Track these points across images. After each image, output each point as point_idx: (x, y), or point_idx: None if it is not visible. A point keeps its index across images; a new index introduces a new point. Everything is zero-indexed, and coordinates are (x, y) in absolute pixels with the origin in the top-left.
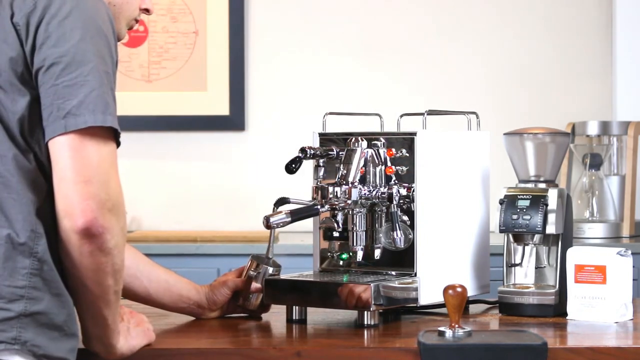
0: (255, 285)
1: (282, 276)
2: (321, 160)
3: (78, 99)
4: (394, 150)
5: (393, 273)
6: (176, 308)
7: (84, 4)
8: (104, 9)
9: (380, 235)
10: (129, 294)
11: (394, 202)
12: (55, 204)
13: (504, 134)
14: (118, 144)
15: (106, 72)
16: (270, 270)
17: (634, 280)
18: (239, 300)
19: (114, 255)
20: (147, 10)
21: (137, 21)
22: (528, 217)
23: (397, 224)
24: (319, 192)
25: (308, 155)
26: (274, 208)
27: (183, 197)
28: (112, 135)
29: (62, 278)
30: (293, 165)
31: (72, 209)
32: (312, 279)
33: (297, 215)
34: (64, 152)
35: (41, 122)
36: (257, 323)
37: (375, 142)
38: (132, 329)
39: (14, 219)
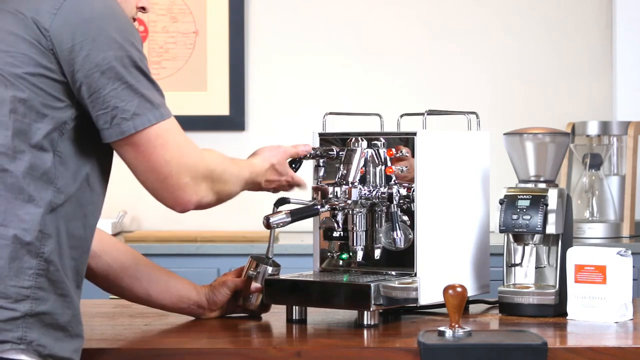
0: (255, 285)
1: (282, 276)
2: (321, 160)
3: (127, 102)
4: (394, 150)
5: (393, 273)
6: (176, 308)
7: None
8: (120, 10)
9: (380, 235)
10: (129, 294)
11: (394, 202)
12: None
13: (504, 134)
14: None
15: (141, 70)
16: (270, 270)
17: (634, 280)
18: (239, 300)
19: (223, 199)
20: (143, 9)
21: (134, 20)
22: (528, 217)
23: (397, 224)
24: (319, 192)
25: (308, 155)
26: (274, 208)
27: None
28: (166, 116)
29: (68, 279)
30: (293, 165)
31: (172, 206)
32: (312, 279)
33: (297, 215)
34: (134, 154)
35: (58, 124)
36: (257, 323)
37: (375, 142)
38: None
39: (22, 219)
